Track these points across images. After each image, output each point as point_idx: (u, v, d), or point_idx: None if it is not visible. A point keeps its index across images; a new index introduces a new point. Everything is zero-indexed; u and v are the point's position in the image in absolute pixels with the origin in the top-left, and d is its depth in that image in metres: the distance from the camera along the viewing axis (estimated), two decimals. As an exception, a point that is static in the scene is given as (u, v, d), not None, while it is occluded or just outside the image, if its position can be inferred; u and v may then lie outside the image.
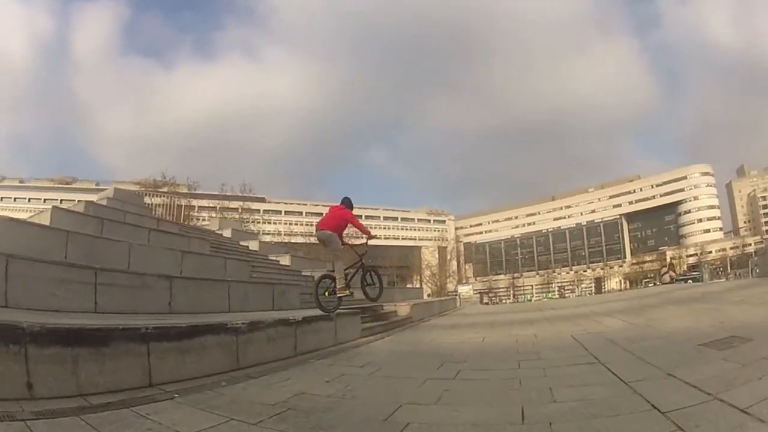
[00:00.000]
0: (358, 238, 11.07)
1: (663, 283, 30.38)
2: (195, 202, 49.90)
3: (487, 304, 75.34)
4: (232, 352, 5.90)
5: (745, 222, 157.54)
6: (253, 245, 20.34)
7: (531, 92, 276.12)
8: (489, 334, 10.11)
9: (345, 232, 10.05)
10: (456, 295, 53.36)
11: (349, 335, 9.17)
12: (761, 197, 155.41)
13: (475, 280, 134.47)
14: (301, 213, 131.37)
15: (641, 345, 6.27)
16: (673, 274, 32.20)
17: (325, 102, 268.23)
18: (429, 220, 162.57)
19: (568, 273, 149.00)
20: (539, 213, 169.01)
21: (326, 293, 9.40)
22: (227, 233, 21.58)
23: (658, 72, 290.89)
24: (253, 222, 65.66)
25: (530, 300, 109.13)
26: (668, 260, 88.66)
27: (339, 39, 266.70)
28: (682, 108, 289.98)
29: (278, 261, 19.07)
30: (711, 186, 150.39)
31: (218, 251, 14.50)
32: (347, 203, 10.19)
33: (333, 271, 9.64)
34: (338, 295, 9.40)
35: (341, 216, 9.81)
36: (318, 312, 8.75)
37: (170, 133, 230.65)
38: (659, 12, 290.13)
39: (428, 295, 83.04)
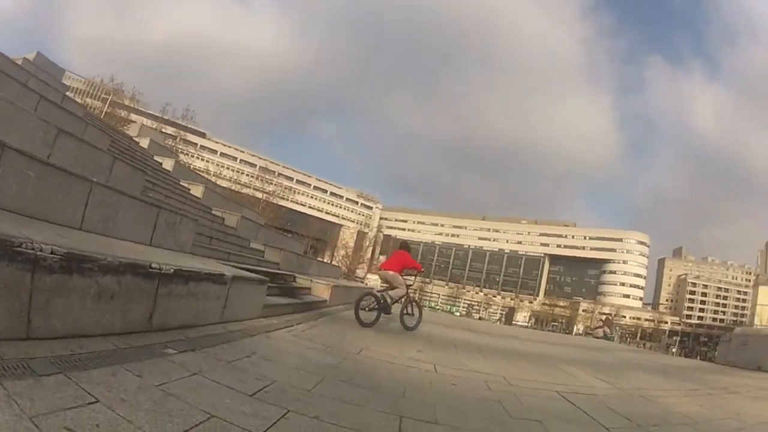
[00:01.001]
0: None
1: (595, 337, 29.25)
2: (134, 117, 46.17)
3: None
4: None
5: (667, 300, 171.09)
6: (168, 164, 17.45)
7: (499, 120, 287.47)
8: (437, 358, 7.68)
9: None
10: (361, 283, 51.87)
11: (244, 311, 6.60)
12: (691, 283, 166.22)
13: None
14: (235, 159, 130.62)
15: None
16: (608, 330, 30.79)
17: (295, 60, 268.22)
18: (357, 202, 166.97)
19: (477, 293, 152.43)
20: (466, 228, 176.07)
21: (367, 310, 10.86)
22: (144, 142, 18.99)
23: (625, 136, 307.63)
24: (187, 154, 61.86)
25: (451, 311, 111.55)
26: (605, 316, 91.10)
27: (332, 6, 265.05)
28: (638, 178, 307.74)
29: (189, 189, 15.85)
30: (644, 256, 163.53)
31: (114, 150, 11.15)
32: (407, 248, 12.76)
33: (382, 293, 11.24)
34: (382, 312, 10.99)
35: (404, 261, 12.06)
36: (209, 265, 6.43)
37: (143, 49, 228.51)
38: (644, 80, 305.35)
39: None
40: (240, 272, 6.56)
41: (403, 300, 11.77)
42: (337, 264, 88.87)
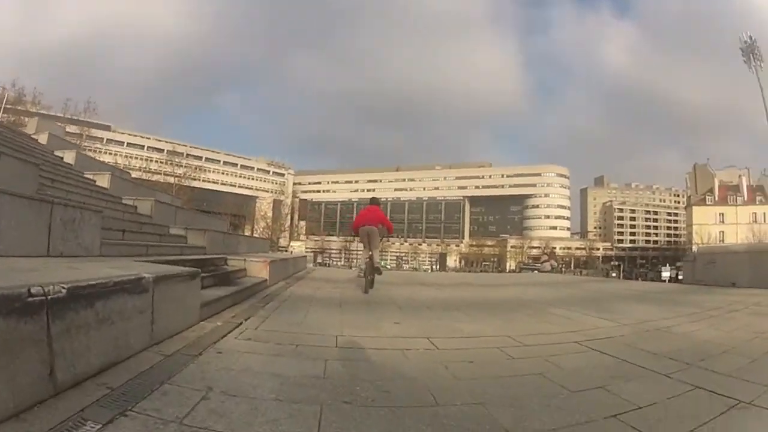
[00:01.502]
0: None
1: (542, 271, 29.04)
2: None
3: (325, 265, 74.49)
4: None
5: (595, 228, 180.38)
6: (69, 157, 15.93)
7: (405, 69, 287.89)
8: (423, 329, 6.69)
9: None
10: (285, 253, 51.30)
11: (179, 320, 5.17)
12: (618, 209, 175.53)
13: (307, 238, 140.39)
14: (143, 147, 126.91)
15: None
16: (554, 263, 30.76)
17: (191, 31, 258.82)
18: (268, 171, 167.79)
19: (402, 244, 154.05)
20: (381, 181, 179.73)
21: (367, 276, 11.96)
22: (43, 138, 17.58)
23: (535, 75, 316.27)
24: (94, 150, 59.38)
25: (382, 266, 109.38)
26: (549, 248, 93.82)
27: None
28: (550, 115, 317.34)
29: (95, 180, 14.26)
30: (565, 188, 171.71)
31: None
32: (378, 203, 13.59)
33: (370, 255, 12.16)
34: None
35: (380, 216, 12.83)
36: (121, 268, 4.80)
37: (44, 47, 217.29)
38: (552, 19, 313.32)
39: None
40: (164, 269, 5.08)
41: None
42: (259, 236, 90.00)
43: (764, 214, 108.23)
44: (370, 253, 12.29)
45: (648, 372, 4.55)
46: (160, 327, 4.49)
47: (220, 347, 4.74)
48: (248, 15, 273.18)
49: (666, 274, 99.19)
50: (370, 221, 12.55)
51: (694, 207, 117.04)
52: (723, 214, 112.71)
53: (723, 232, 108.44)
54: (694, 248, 27.08)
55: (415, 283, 16.86)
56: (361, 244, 12.88)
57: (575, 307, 9.85)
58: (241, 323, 6.09)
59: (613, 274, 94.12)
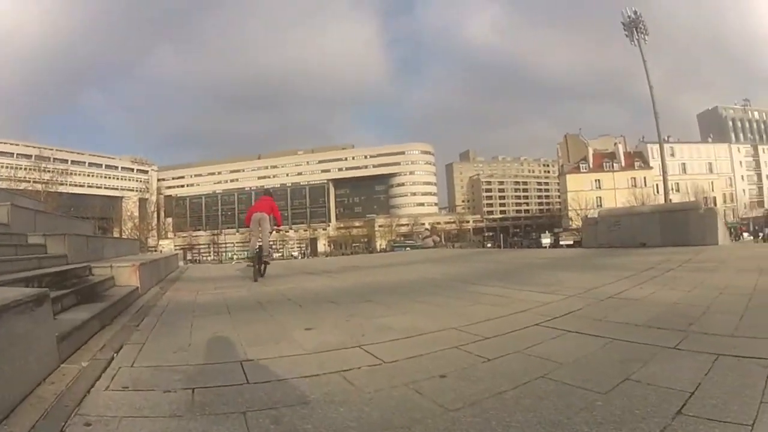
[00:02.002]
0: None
1: (425, 247, 28.59)
2: None
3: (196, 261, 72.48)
4: None
5: (463, 201, 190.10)
6: None
7: (262, 52, 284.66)
8: (348, 334, 5.27)
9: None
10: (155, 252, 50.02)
11: (27, 371, 3.50)
12: (485, 182, 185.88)
13: (175, 235, 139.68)
14: (12, 155, 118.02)
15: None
16: (437, 238, 30.52)
17: (49, 26, 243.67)
18: (132, 169, 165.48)
19: (270, 233, 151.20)
20: (244, 170, 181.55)
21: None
22: None
23: (397, 55, 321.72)
24: None
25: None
26: (431, 225, 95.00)
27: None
28: (414, 93, 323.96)
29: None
30: (430, 164, 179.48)
31: None
32: (270, 194, 15.23)
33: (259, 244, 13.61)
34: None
35: (272, 205, 14.22)
36: None
37: None
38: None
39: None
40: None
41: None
42: (128, 237, 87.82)
43: (644, 178, 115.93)
44: (260, 242, 13.51)
45: (654, 348, 3.98)
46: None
47: (87, 411, 3.09)
48: (99, 8, 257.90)
49: (546, 240, 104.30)
50: (264, 208, 13.82)
51: (567, 175, 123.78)
52: (599, 180, 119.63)
53: (600, 197, 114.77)
54: (592, 212, 27.21)
55: (299, 272, 16.13)
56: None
57: (499, 282, 9.24)
58: (112, 358, 4.39)
59: (489, 245, 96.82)
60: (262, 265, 13.50)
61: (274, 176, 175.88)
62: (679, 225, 19.11)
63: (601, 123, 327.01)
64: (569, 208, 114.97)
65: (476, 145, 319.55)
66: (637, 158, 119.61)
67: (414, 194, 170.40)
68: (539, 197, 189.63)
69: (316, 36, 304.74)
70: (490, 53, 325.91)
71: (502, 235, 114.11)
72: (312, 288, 10.36)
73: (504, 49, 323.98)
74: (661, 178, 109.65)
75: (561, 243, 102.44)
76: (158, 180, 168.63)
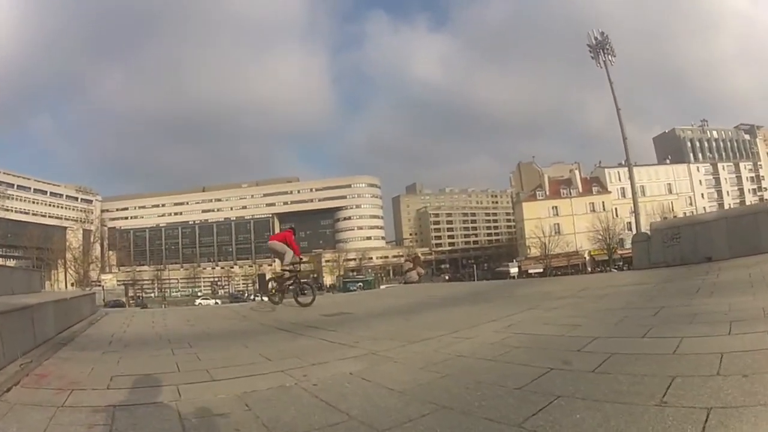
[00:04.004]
0: None
1: (408, 282, 23.73)
2: None
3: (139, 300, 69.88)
4: None
5: (411, 234, 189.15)
6: None
7: (212, 86, 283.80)
8: None
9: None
10: (97, 287, 46.18)
11: None
12: (433, 214, 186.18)
13: (119, 269, 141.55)
14: None
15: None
16: (421, 270, 25.69)
17: None
18: (77, 198, 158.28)
19: (214, 269, 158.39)
20: (188, 203, 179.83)
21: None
22: None
23: (345, 89, 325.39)
24: None
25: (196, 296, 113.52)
26: (413, 253, 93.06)
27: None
28: (360, 128, 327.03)
29: None
30: (376, 197, 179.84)
31: None
32: (293, 230, 15.50)
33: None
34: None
35: (285, 235, 15.05)
36: None
37: None
38: (363, 34, 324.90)
39: (72, 285, 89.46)
40: None
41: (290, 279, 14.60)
42: (69, 270, 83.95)
43: (602, 202, 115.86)
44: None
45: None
46: None
47: None
48: (48, 31, 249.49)
49: (515, 269, 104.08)
50: (276, 237, 15.51)
51: (524, 203, 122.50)
52: (557, 207, 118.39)
53: (558, 224, 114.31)
54: (653, 223, 23.58)
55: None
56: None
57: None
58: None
59: (446, 277, 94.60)
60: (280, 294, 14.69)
61: (218, 210, 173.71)
62: (749, 231, 16.49)
63: (545, 155, 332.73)
64: (526, 235, 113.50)
65: (423, 178, 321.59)
66: (594, 183, 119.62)
67: (361, 228, 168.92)
68: (488, 228, 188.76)
69: (263, 69, 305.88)
70: (435, 90, 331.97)
71: (443, 269, 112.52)
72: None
73: (448, 86, 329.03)
74: (620, 201, 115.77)
75: (511, 273, 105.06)
76: (102, 211, 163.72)
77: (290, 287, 14.54)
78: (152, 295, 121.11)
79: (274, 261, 16.40)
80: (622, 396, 3.53)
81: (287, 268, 14.52)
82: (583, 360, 4.79)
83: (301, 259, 15.51)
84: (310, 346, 7.45)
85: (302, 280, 14.72)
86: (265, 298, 15.67)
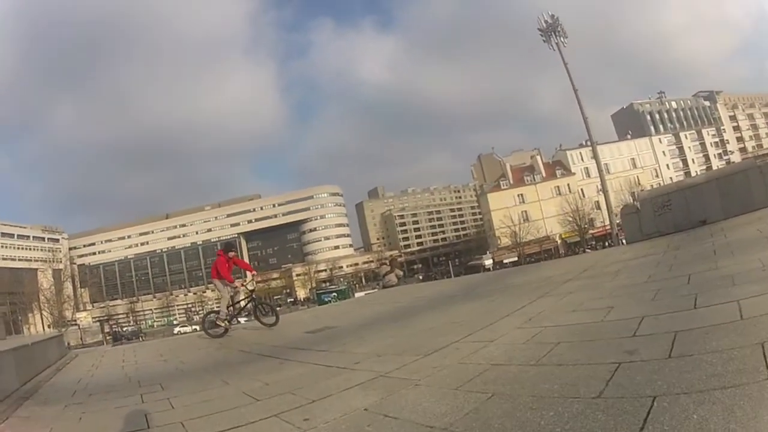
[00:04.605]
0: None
1: (387, 286, 22.75)
2: None
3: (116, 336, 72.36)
4: None
5: (378, 238, 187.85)
6: None
7: (161, 109, 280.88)
8: None
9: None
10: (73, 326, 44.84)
11: None
12: (398, 216, 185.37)
13: (92, 306, 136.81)
14: None
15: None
16: (399, 272, 24.68)
17: None
18: (44, 238, 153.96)
19: (186, 295, 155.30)
20: (153, 232, 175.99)
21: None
22: None
23: (294, 100, 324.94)
24: None
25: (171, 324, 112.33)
26: (389, 255, 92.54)
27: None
28: (315, 137, 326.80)
29: None
30: (340, 206, 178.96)
31: None
32: (225, 248, 13.76)
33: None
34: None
35: (214, 264, 13.46)
36: None
37: None
38: (310, 42, 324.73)
39: (49, 326, 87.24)
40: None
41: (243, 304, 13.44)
42: (44, 312, 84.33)
43: (567, 185, 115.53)
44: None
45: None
46: None
47: None
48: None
49: (489, 261, 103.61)
50: (213, 274, 13.53)
51: (488, 194, 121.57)
52: (522, 195, 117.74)
53: (525, 211, 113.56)
54: (642, 193, 22.90)
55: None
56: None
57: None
58: None
59: (420, 277, 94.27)
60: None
61: (183, 235, 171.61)
62: (741, 189, 16.14)
63: (504, 145, 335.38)
64: (494, 227, 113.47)
65: (384, 181, 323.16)
66: (557, 166, 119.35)
67: (328, 238, 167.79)
68: (454, 223, 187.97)
69: (212, 87, 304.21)
70: (387, 91, 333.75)
71: (450, 263, 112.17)
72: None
73: (398, 86, 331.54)
74: (585, 181, 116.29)
75: (486, 265, 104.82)
76: (70, 248, 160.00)
77: (245, 309, 13.64)
78: (127, 328, 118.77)
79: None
80: (726, 378, 3.00)
81: (228, 298, 13.11)
82: (648, 346, 4.05)
83: (250, 277, 14.18)
84: (302, 374, 6.28)
85: (260, 301, 13.90)
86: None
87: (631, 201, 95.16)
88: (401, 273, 26.22)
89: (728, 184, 16.50)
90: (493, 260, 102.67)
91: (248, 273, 14.26)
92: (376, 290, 47.74)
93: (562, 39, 52.90)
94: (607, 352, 4.15)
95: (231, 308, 13.14)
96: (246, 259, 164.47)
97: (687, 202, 17.26)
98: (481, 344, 5.60)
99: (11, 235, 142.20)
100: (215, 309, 13.49)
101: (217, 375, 7.41)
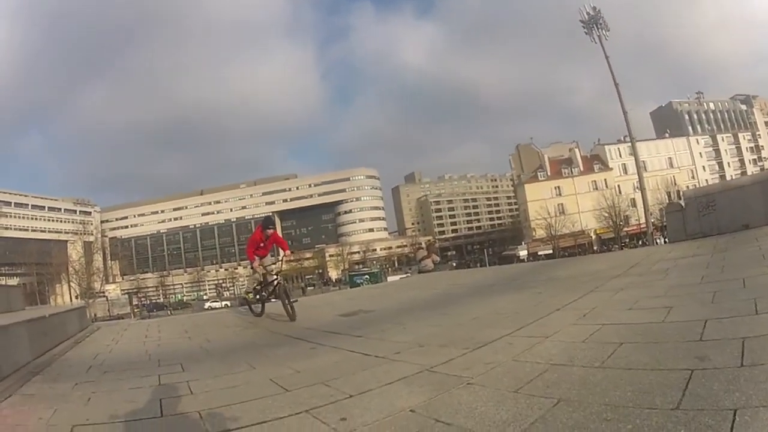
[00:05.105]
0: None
1: (423, 271, 22.56)
2: None
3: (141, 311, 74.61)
4: None
5: (413, 224, 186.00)
6: None
7: (200, 90, 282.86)
8: None
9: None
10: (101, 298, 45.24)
11: None
12: (434, 202, 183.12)
13: (122, 278, 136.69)
14: None
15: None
16: (437, 257, 24.51)
17: None
18: (75, 211, 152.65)
19: (218, 271, 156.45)
20: (187, 207, 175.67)
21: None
22: None
23: (334, 83, 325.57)
24: None
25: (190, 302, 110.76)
26: (424, 242, 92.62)
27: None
28: (355, 120, 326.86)
29: None
30: (376, 189, 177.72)
31: None
32: (265, 223, 12.50)
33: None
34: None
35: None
36: None
37: None
38: (350, 26, 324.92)
39: (77, 297, 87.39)
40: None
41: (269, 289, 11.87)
42: (72, 284, 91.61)
43: (604, 180, 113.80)
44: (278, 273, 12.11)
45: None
46: None
47: None
48: (29, 49, 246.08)
49: (523, 252, 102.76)
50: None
51: (525, 185, 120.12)
52: (559, 187, 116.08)
53: (562, 204, 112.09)
54: (686, 192, 22.66)
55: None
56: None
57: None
58: None
59: (453, 264, 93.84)
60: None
61: (217, 212, 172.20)
62: None
63: (540, 136, 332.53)
64: (530, 218, 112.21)
65: (420, 166, 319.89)
66: (595, 161, 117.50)
67: (362, 220, 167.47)
68: (489, 212, 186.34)
69: (251, 69, 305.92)
70: (425, 77, 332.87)
71: (448, 256, 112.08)
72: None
73: (437, 72, 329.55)
74: (622, 178, 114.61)
75: (520, 256, 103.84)
76: (102, 221, 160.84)
77: (272, 293, 11.87)
78: (157, 298, 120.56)
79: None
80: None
81: (257, 277, 12.18)
82: (718, 352, 3.80)
83: (282, 255, 12.71)
84: (337, 362, 5.87)
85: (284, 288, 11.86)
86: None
87: (668, 200, 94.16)
88: (438, 259, 25.87)
89: (775, 188, 15.97)
90: (528, 251, 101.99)
91: (281, 251, 12.75)
92: (408, 274, 47.45)
93: (604, 32, 52.55)
94: (677, 357, 3.89)
95: (260, 288, 12.10)
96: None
97: (731, 204, 16.89)
98: (535, 340, 5.31)
99: (41, 207, 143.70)
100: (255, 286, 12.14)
101: (244, 357, 7.00)
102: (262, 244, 12.24)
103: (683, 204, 19.07)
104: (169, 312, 71.54)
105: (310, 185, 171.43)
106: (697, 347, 4.04)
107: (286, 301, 11.09)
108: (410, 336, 6.81)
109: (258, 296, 12.19)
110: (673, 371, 3.56)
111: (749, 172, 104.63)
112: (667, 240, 17.00)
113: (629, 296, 7.12)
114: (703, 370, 3.46)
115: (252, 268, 12.37)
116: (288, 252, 13.02)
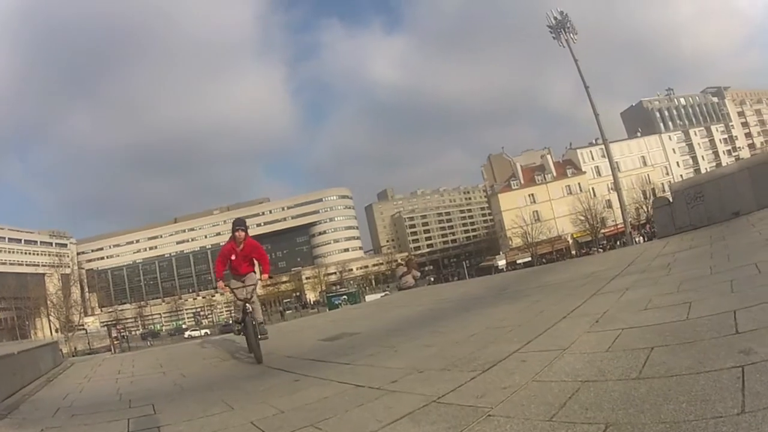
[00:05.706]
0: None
1: (403, 288, 22.10)
2: None
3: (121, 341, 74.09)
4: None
5: (388, 241, 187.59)
6: None
7: (171, 114, 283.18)
8: None
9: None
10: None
11: None
12: (407, 218, 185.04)
13: (101, 311, 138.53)
14: None
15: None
16: (417, 273, 24.01)
17: None
18: (51, 243, 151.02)
19: (195, 299, 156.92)
20: (161, 236, 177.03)
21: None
22: None
23: (304, 102, 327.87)
24: None
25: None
26: (402, 258, 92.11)
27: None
28: (325, 139, 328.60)
29: None
30: (349, 208, 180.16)
31: None
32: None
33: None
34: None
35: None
36: None
37: None
38: (319, 44, 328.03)
39: (56, 331, 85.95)
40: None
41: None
42: (51, 317, 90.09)
43: (578, 184, 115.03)
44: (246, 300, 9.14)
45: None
46: None
47: None
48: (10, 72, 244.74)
49: (502, 262, 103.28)
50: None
51: (499, 195, 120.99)
52: (533, 195, 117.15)
53: (537, 211, 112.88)
54: (674, 185, 22.53)
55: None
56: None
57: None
58: None
59: (431, 279, 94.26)
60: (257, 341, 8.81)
61: (192, 239, 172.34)
62: None
63: (513, 144, 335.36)
64: (507, 227, 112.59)
65: (393, 181, 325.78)
66: (568, 165, 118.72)
67: (337, 241, 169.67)
68: (464, 225, 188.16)
69: (221, 92, 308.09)
70: (396, 91, 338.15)
71: (425, 271, 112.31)
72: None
73: (409, 85, 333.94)
74: (596, 180, 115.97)
75: (499, 266, 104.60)
76: (78, 253, 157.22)
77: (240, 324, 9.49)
78: (136, 332, 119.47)
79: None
80: None
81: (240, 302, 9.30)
82: (763, 342, 3.59)
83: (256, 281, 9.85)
84: (326, 397, 5.18)
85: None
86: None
87: (644, 198, 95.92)
88: (418, 274, 25.49)
89: (761, 173, 15.71)
90: (506, 261, 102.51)
91: (257, 271, 10.05)
92: (388, 293, 47.01)
93: (572, 35, 52.46)
94: (720, 355, 3.56)
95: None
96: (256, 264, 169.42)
97: (720, 192, 16.68)
98: (552, 354, 4.77)
99: (18, 241, 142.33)
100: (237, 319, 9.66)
101: (221, 395, 6.38)
102: (233, 257, 9.62)
103: (671, 198, 18.84)
104: (149, 343, 71.05)
105: (283, 208, 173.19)
106: (738, 341, 3.79)
107: (253, 339, 8.83)
108: (404, 360, 6.23)
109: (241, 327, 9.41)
110: (723, 371, 3.26)
111: (724, 163, 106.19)
112: (645, 238, 16.73)
113: (639, 296, 6.72)
114: (754, 365, 3.22)
115: (218, 288, 10.18)
116: (265, 276, 10.03)
